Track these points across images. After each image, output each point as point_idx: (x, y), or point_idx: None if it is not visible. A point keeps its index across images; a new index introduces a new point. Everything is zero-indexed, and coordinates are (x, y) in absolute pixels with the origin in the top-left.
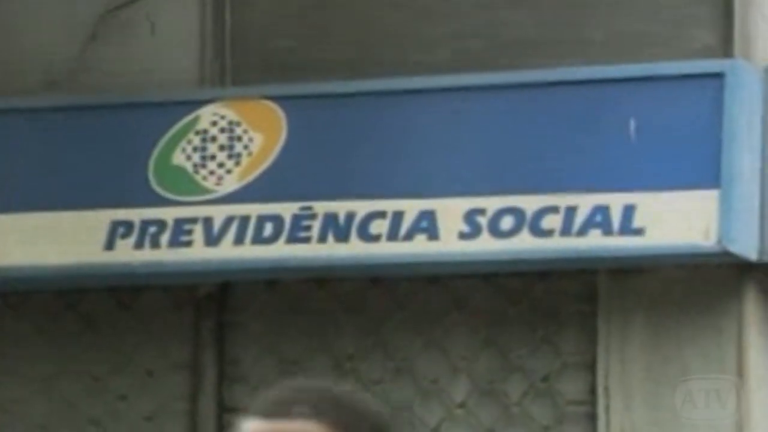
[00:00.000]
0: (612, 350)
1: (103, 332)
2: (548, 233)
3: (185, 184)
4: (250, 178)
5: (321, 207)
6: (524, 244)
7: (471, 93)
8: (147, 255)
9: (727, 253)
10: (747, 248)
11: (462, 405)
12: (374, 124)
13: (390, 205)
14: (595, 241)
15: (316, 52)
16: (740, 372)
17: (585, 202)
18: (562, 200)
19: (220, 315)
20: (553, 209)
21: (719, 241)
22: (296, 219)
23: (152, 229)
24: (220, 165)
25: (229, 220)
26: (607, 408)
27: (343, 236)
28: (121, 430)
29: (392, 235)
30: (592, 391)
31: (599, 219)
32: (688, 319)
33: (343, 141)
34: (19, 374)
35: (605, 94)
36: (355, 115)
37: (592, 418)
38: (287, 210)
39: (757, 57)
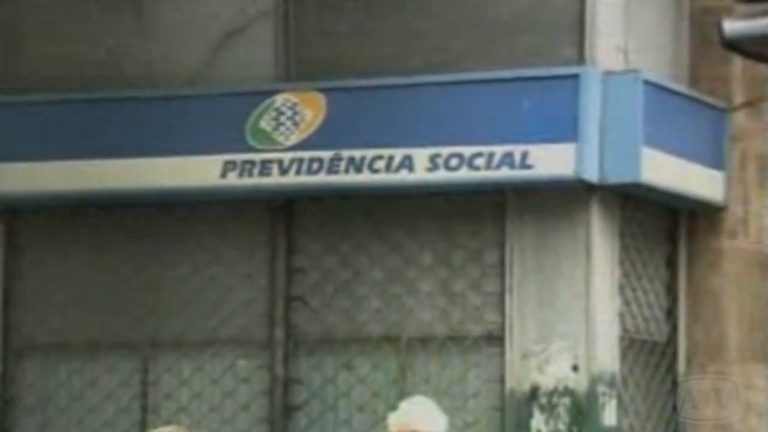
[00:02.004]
0: (514, 238)
1: (217, 227)
2: (478, 168)
3: (267, 140)
4: (304, 136)
5: (345, 153)
6: (465, 175)
7: (434, 87)
8: (244, 181)
9: (580, 180)
10: (591, 176)
11: (430, 268)
12: (376, 104)
13: (386, 152)
14: (505, 173)
15: (345, 61)
16: (587, 254)
17: (500, 150)
18: (486, 149)
19: (288, 218)
20: (481, 154)
21: (576, 172)
22: (331, 160)
23: (248, 166)
24: (287, 128)
25: (292, 161)
26: (511, 269)
27: (359, 170)
28: (233, 283)
29: (387, 170)
30: (502, 260)
31: (508, 160)
32: (557, 220)
33: (357, 114)
34: (169, 254)
35: (512, 87)
36: (366, 99)
37: (502, 275)
38: (326, 155)
39: (599, 64)
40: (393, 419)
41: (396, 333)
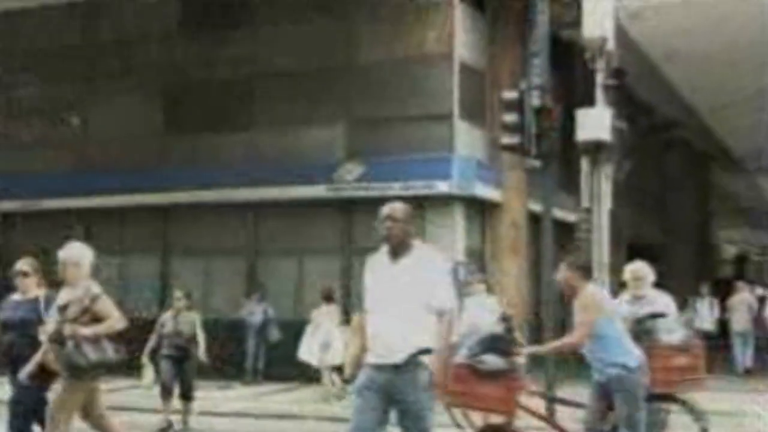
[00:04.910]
0: (426, 218)
1: (322, 214)
2: (417, 190)
3: (342, 176)
4: (356, 176)
5: (372, 184)
6: (411, 193)
7: (402, 160)
8: (333, 194)
9: (451, 195)
10: (456, 192)
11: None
12: (382, 166)
13: (384, 184)
14: (425, 192)
15: (370, 150)
16: (453, 225)
17: (422, 184)
18: (419, 183)
19: (350, 210)
20: (417, 185)
21: (449, 192)
22: (366, 187)
23: (335, 188)
24: (350, 173)
25: (352, 187)
26: (426, 229)
27: (376, 190)
28: (329, 230)
29: (386, 190)
30: (424, 225)
31: (425, 188)
32: (443, 210)
33: (375, 169)
34: (301, 226)
35: (430, 162)
36: (378, 164)
37: (424, 231)
38: (365, 184)
39: (459, 153)
40: None
41: None
